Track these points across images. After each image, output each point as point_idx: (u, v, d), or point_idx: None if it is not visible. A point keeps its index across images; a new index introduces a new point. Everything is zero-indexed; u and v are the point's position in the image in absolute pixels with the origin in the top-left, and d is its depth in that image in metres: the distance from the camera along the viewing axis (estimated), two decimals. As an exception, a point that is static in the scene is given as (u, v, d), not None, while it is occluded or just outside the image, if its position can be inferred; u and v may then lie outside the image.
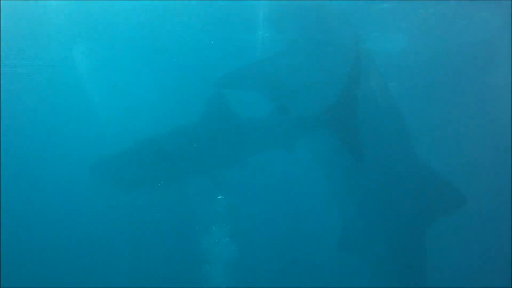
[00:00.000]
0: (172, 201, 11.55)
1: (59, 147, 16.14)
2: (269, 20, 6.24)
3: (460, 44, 12.58)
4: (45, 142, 16.18)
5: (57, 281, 12.58)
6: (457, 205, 5.03)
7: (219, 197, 13.55)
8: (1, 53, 11.91)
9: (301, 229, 16.31)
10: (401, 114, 5.07)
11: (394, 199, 5.01)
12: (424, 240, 5.18)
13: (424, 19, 11.49)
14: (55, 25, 12.08)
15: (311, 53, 5.42)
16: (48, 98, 15.10)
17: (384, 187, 5.08)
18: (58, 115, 15.72)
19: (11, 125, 14.77)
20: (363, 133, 4.94)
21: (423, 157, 5.12)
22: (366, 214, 5.31)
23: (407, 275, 5.16)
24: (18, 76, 13.58)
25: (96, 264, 13.45)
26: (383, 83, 5.00)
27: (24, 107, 15.15)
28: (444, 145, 13.63)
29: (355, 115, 4.97)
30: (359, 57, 4.95)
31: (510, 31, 11.37)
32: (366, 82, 4.98)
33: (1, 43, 11.64)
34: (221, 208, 13.39)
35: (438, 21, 11.59)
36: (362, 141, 5.11)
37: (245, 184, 12.63)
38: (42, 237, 14.51)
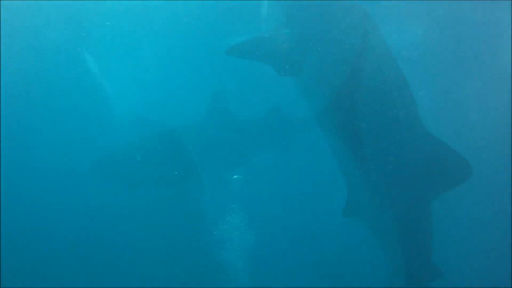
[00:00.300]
0: (174, 200, 11.51)
1: (59, 147, 16.13)
2: (275, 17, 6.18)
3: (459, 43, 12.59)
4: (44, 142, 16.17)
5: (57, 281, 12.57)
6: (463, 176, 4.99)
7: (235, 176, 13.83)
8: (1, 53, 11.90)
9: (306, 196, 16.64)
10: (408, 88, 5.02)
11: (400, 167, 4.99)
12: (429, 212, 5.17)
13: (427, 17, 11.50)
14: (56, 25, 12.07)
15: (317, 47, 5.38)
16: (48, 98, 15.09)
17: (389, 156, 5.06)
18: (58, 115, 15.71)
19: (11, 125, 14.76)
20: (368, 113, 4.93)
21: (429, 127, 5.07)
22: (372, 183, 5.30)
23: (411, 242, 5.17)
24: (18, 76, 13.57)
25: (97, 264, 13.45)
26: (388, 73, 4.95)
27: (24, 107, 15.15)
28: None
29: (357, 101, 5.00)
30: (365, 52, 4.93)
31: (510, 31, 11.36)
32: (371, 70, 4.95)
33: (1, 43, 11.63)
34: (236, 187, 13.68)
35: (440, 19, 11.62)
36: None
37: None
38: (42, 237, 14.49)
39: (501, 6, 10.54)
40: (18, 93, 14.27)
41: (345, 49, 4.97)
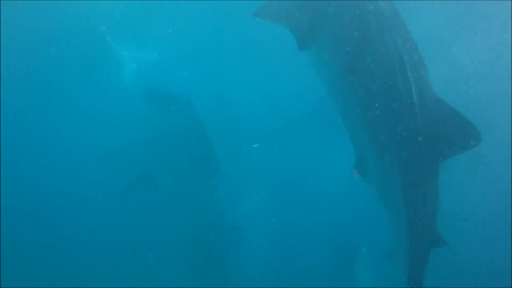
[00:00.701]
0: (176, 197, 11.42)
1: (59, 147, 16.13)
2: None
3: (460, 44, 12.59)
4: (43, 142, 16.17)
5: (57, 281, 12.57)
6: (472, 143, 5.02)
7: (255, 145, 14.51)
8: (1, 53, 11.89)
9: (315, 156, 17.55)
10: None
11: (408, 129, 5.06)
12: (437, 177, 5.18)
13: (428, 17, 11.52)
14: (56, 25, 12.07)
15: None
16: (47, 98, 15.09)
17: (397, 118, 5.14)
18: (56, 115, 15.71)
19: (11, 125, 14.75)
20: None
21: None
22: (380, 143, 5.33)
23: (417, 205, 5.21)
24: (18, 76, 13.56)
25: (98, 263, 13.45)
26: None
27: (24, 107, 15.15)
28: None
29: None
30: (375, 17, 4.99)
31: (510, 31, 11.37)
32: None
33: (1, 43, 11.63)
34: (256, 156, 14.52)
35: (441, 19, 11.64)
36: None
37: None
38: (42, 237, 14.49)
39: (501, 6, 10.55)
40: (18, 92, 14.27)
41: (356, 15, 5.04)
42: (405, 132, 4.99)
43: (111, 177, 12.77)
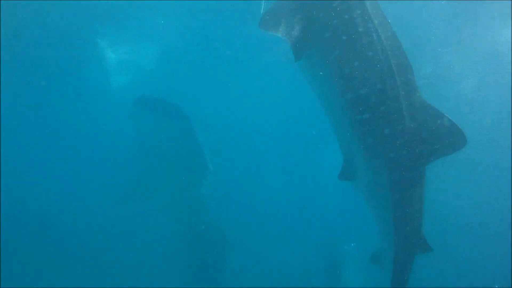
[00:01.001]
0: (169, 201, 11.46)
1: (59, 148, 16.14)
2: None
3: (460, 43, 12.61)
4: (43, 143, 16.19)
5: (57, 281, 12.59)
6: (458, 145, 5.20)
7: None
8: (1, 53, 11.90)
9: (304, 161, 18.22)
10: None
11: (396, 133, 5.11)
12: (423, 180, 5.30)
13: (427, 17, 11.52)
14: (55, 25, 12.08)
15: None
16: (47, 98, 15.10)
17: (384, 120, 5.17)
18: (56, 116, 15.73)
19: (11, 125, 14.77)
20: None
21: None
22: (368, 147, 5.39)
23: (403, 209, 5.26)
24: (18, 76, 13.58)
25: (95, 264, 13.48)
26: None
27: (24, 107, 15.17)
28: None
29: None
30: (364, 23, 5.05)
31: (510, 31, 11.39)
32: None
33: (1, 43, 11.63)
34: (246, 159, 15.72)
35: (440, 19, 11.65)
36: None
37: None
38: (41, 237, 14.52)
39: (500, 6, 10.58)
40: (18, 92, 14.28)
41: (345, 19, 5.10)
42: (393, 135, 5.08)
43: (106, 182, 12.81)
